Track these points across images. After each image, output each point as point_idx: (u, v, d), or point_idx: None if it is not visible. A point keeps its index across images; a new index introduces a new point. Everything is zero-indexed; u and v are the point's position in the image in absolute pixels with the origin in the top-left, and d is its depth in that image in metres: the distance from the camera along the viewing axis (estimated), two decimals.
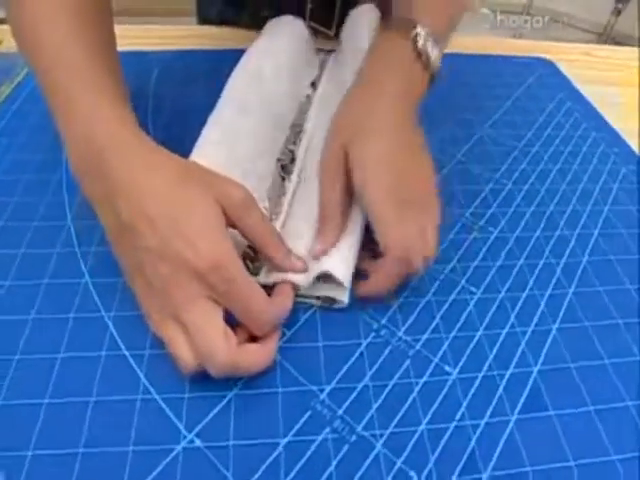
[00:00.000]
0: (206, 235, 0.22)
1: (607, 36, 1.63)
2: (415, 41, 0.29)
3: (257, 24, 0.47)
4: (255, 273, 0.26)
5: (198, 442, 0.22)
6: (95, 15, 0.27)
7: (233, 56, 0.38)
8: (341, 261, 0.26)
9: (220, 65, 0.38)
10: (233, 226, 0.24)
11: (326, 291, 0.26)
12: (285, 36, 0.39)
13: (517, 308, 0.28)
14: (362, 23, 0.39)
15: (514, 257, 0.31)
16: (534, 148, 0.39)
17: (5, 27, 0.51)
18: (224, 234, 0.22)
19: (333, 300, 0.26)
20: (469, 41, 0.52)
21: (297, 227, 0.28)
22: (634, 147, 0.40)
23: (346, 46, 0.40)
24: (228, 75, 0.36)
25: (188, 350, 0.22)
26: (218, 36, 0.49)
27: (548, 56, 0.51)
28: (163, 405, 0.23)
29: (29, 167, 0.33)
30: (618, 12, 1.57)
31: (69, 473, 0.20)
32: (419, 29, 0.29)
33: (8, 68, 0.41)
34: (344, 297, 0.26)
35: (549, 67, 0.49)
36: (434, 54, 0.29)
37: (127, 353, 0.24)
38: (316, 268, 0.26)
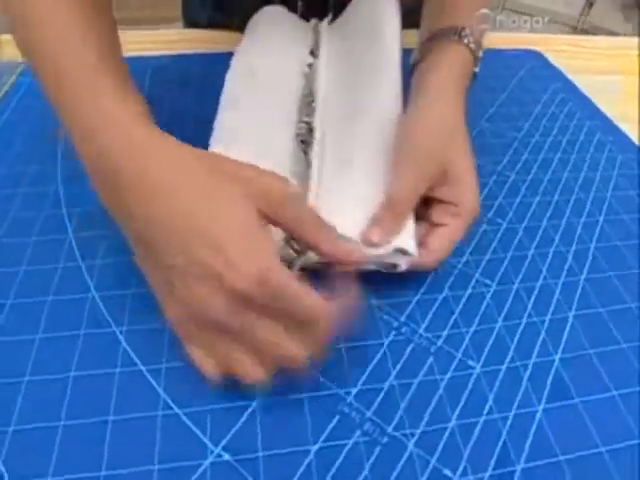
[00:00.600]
0: (243, 246, 0.19)
1: (580, 28, 1.67)
2: (469, 47, 0.30)
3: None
4: (301, 252, 0.24)
5: (226, 456, 0.21)
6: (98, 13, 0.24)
7: (226, 58, 0.37)
8: (410, 236, 0.26)
9: (213, 68, 0.37)
10: (274, 223, 0.21)
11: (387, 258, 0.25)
12: (266, 23, 0.38)
13: (533, 298, 0.28)
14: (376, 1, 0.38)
15: (525, 247, 0.31)
16: (533, 139, 0.39)
17: None
18: (263, 239, 0.20)
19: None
20: None
21: (334, 201, 0.27)
22: (629, 134, 0.41)
23: (353, 16, 0.39)
24: (222, 77, 0.35)
25: (256, 368, 0.20)
26: (208, 39, 0.48)
27: (536, 48, 0.51)
28: (186, 420, 0.22)
29: (24, 180, 0.32)
30: (590, 4, 1.61)
31: None
32: (469, 35, 0.30)
33: None
34: (404, 263, 0.25)
35: (539, 59, 0.50)
36: (481, 55, 0.31)
37: (143, 368, 0.23)
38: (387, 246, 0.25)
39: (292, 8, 0.45)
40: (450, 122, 0.28)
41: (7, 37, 0.46)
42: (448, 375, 0.24)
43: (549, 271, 0.30)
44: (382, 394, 0.23)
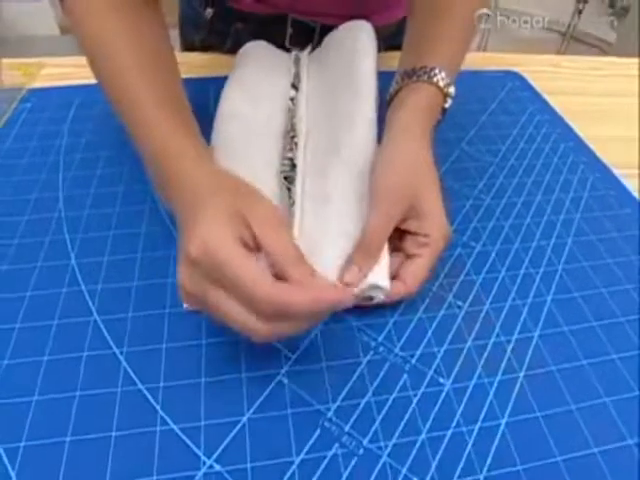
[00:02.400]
0: (208, 228, 0.23)
1: (570, 35, 1.70)
2: (438, 86, 0.32)
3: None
4: None
5: (218, 467, 0.23)
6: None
7: (218, 83, 0.40)
8: (384, 272, 0.28)
9: (205, 92, 0.39)
10: (258, 246, 0.23)
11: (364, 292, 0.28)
12: (249, 62, 0.40)
13: (501, 318, 0.30)
14: (355, 36, 0.41)
15: (496, 270, 0.33)
16: (509, 162, 0.42)
17: None
18: (225, 226, 0.23)
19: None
20: None
21: (313, 239, 0.29)
22: (599, 154, 0.43)
23: (332, 48, 0.41)
24: (214, 101, 0.37)
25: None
26: (201, 63, 0.50)
27: (517, 68, 0.54)
28: (181, 434, 0.24)
29: (27, 207, 0.34)
30: (579, 12, 1.63)
31: None
32: (439, 73, 0.32)
33: None
34: (382, 295, 0.28)
35: (519, 80, 0.52)
36: (451, 91, 0.33)
37: (142, 387, 0.26)
38: (362, 283, 0.27)
39: (281, 34, 0.47)
40: (414, 159, 0.30)
41: (8, 61, 0.48)
42: (420, 391, 0.27)
43: (518, 292, 0.32)
44: (359, 409, 0.26)
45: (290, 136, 0.36)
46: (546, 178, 0.41)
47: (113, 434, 0.24)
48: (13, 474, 0.23)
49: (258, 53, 0.41)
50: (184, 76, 0.48)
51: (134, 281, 0.30)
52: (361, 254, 0.28)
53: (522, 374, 0.28)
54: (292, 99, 0.39)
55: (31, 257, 0.31)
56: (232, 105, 0.37)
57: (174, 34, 0.59)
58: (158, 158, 0.28)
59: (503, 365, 0.28)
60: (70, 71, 0.48)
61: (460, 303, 0.31)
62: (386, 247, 0.29)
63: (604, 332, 0.30)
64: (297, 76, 0.40)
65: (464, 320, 0.30)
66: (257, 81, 0.39)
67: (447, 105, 0.34)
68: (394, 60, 0.52)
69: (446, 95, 0.33)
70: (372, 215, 0.28)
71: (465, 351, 0.28)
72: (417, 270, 0.28)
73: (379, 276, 0.28)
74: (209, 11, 0.48)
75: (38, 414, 0.24)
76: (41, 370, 0.26)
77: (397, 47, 0.54)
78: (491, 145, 0.43)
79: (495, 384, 0.27)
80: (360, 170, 0.32)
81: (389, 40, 0.53)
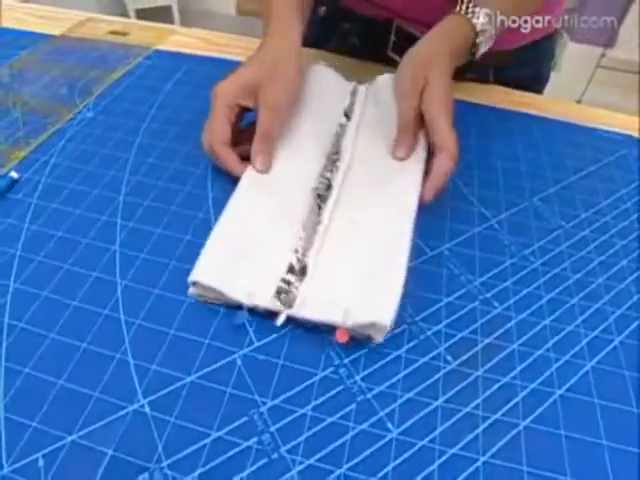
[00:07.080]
0: (226, 80, 0.35)
1: None
2: (467, 17, 0.37)
3: (344, 50, 0.50)
4: (289, 305, 0.28)
5: (147, 409, 0.25)
6: None
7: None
8: (391, 309, 0.27)
9: None
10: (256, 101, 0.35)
11: (364, 329, 0.27)
12: (311, 83, 0.41)
13: (489, 393, 0.27)
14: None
15: (509, 339, 0.29)
16: (582, 232, 0.36)
17: (134, 21, 0.61)
18: (236, 88, 0.35)
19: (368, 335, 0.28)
20: (564, 107, 0.49)
21: (334, 261, 0.30)
22: None
23: (388, 84, 0.41)
24: None
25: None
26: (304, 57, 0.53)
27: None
28: (132, 369, 0.26)
29: (109, 143, 0.40)
30: None
31: (45, 396, 0.25)
32: (477, 11, 0.37)
33: (124, 57, 0.50)
34: (380, 337, 0.27)
35: (636, 147, 0.44)
36: (484, 27, 0.37)
37: (122, 317, 0.29)
38: (363, 315, 0.27)
39: (385, 40, 0.47)
40: (427, 52, 0.37)
41: (147, 24, 0.57)
42: (362, 427, 0.25)
43: (523, 373, 0.28)
44: (293, 417, 0.25)
45: (333, 159, 0.37)
46: (621, 263, 0.34)
47: (83, 345, 0.27)
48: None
49: (318, 75, 0.42)
50: None
51: (159, 228, 0.34)
52: (401, 134, 0.36)
53: (483, 459, 0.24)
54: (342, 125, 0.39)
55: (93, 184, 0.37)
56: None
57: None
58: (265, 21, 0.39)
59: (466, 440, 0.25)
60: (194, 42, 0.54)
61: (450, 358, 0.28)
62: (401, 284, 0.28)
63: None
64: (351, 106, 0.41)
65: (446, 377, 0.27)
66: (312, 100, 0.40)
67: (479, 41, 0.37)
68: (496, 94, 0.49)
69: (476, 31, 0.36)
70: (398, 101, 0.37)
71: (430, 409, 0.26)
72: (434, 166, 0.34)
73: (383, 315, 0.26)
74: (322, 9, 0.50)
75: (41, 305, 0.29)
76: (57, 276, 0.30)
77: (505, 82, 0.50)
78: (569, 208, 0.38)
79: (446, 456, 0.24)
80: (398, 211, 0.33)
81: (497, 73, 0.50)
